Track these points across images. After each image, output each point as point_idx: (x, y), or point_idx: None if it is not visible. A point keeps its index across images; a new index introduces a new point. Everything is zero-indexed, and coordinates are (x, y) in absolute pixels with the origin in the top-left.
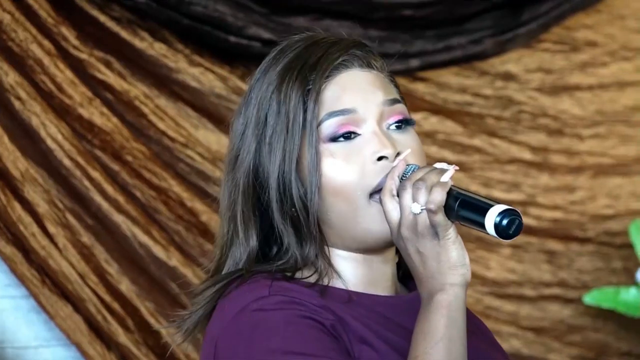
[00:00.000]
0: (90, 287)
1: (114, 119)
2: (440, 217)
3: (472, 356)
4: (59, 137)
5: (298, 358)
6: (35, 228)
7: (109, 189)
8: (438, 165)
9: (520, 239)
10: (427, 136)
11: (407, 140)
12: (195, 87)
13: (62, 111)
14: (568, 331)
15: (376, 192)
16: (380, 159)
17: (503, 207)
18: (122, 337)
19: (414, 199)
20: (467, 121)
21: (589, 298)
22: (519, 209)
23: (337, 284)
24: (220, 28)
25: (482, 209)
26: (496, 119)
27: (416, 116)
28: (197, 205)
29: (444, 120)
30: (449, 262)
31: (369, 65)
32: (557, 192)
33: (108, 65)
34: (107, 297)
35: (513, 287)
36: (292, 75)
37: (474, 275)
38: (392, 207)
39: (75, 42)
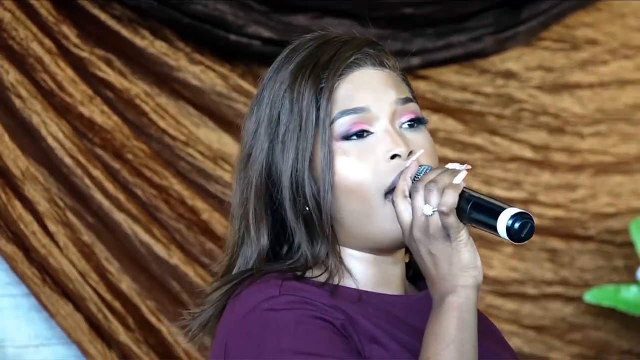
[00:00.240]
0: (91, 286)
1: (115, 118)
2: (453, 220)
3: (483, 357)
4: (60, 135)
5: (308, 358)
6: (36, 227)
7: (110, 187)
8: (450, 166)
9: None
10: None
11: (420, 140)
12: (196, 86)
13: (63, 110)
14: (569, 330)
15: (391, 192)
16: (393, 157)
17: (516, 210)
18: (123, 335)
19: (426, 201)
20: (468, 119)
21: (590, 296)
22: (519, 207)
23: (347, 283)
24: (221, 27)
25: (494, 212)
26: (497, 117)
27: None
28: (198, 204)
29: (445, 118)
30: (461, 264)
31: (382, 64)
32: (559, 191)
33: (109, 63)
34: (108, 296)
35: (515, 285)
36: (305, 74)
37: None
38: (405, 209)
39: (76, 40)
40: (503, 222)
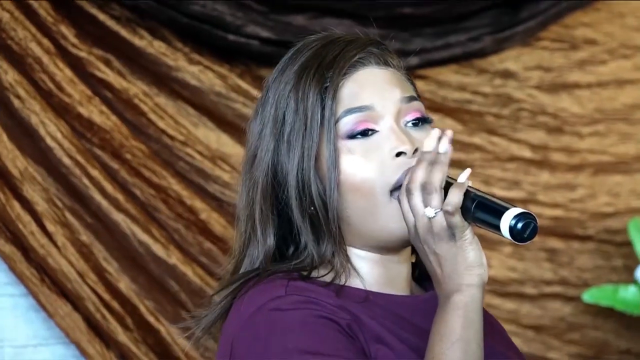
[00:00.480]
0: (90, 286)
1: (114, 118)
2: (457, 219)
3: (488, 357)
4: (58, 135)
5: (314, 357)
6: (34, 226)
7: (109, 187)
8: (427, 154)
9: None
10: None
11: (425, 138)
12: (194, 86)
13: (62, 109)
14: (568, 329)
15: (396, 190)
16: (398, 155)
17: (519, 210)
18: (121, 335)
19: (426, 204)
20: (467, 119)
21: (588, 296)
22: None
23: (353, 283)
24: (219, 26)
25: (497, 211)
26: (495, 116)
27: None
28: (197, 204)
29: (443, 118)
30: (466, 262)
31: (386, 63)
32: (558, 190)
33: (107, 63)
34: (106, 296)
35: (514, 285)
36: (310, 73)
37: None
38: (409, 209)
39: (75, 40)
40: (506, 221)
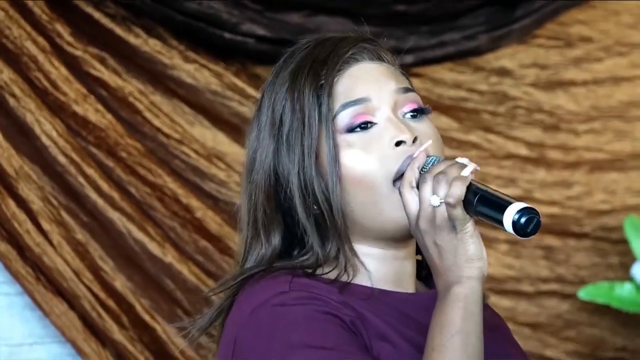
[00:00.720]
0: (85, 284)
1: (109, 116)
2: (459, 211)
3: (490, 352)
4: (54, 133)
5: (317, 352)
6: (29, 225)
7: (104, 185)
8: (459, 160)
9: None
10: None
11: (425, 129)
12: (190, 84)
13: (57, 108)
14: (564, 327)
15: (399, 179)
16: (398, 144)
17: (522, 205)
18: (117, 334)
19: (434, 192)
20: (463, 117)
21: (584, 293)
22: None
23: (359, 280)
24: (215, 25)
25: (500, 205)
26: (491, 114)
27: None
28: (193, 202)
29: (439, 116)
30: (466, 255)
31: (380, 58)
32: (554, 188)
33: (103, 61)
34: (101, 294)
35: (511, 282)
36: (304, 73)
37: None
38: (411, 199)
39: (70, 38)
40: (509, 216)
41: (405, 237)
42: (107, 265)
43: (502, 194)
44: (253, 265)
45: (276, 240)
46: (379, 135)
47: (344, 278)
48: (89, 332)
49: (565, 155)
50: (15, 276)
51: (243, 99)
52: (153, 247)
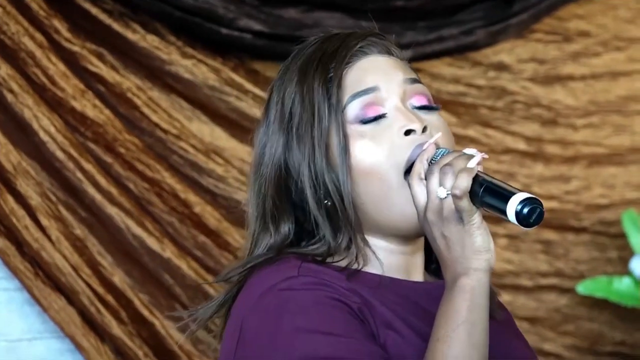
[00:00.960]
0: (84, 280)
1: (107, 111)
2: (465, 203)
3: (499, 346)
4: (52, 129)
5: (324, 337)
6: (28, 221)
7: (102, 181)
8: (467, 151)
9: (515, 228)
10: None
11: (435, 121)
12: (188, 79)
13: (55, 104)
14: (563, 321)
15: (409, 171)
16: (408, 133)
17: (525, 195)
18: (116, 329)
19: (441, 184)
20: (461, 112)
21: (582, 288)
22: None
23: (368, 269)
24: (212, 20)
25: (504, 196)
26: (490, 109)
27: None
28: (191, 197)
29: None
30: (473, 246)
31: (388, 52)
32: (552, 182)
33: (100, 57)
34: (100, 289)
35: (510, 277)
36: (312, 66)
37: None
38: (420, 191)
39: (67, 34)
40: (512, 206)
41: (414, 234)
42: (106, 261)
43: (508, 185)
44: (261, 253)
45: (285, 229)
46: (388, 125)
47: (354, 267)
48: (88, 327)
49: (564, 149)
50: (14, 271)
51: (241, 94)
52: (151, 242)
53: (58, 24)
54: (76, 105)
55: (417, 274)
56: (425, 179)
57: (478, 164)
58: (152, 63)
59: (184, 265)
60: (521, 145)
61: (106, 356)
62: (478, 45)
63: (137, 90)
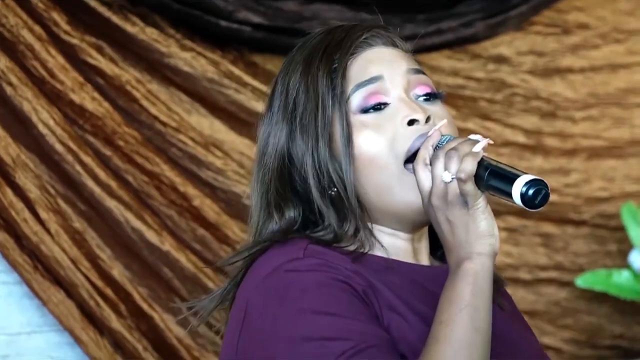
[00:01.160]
0: (83, 273)
1: (106, 104)
2: (470, 187)
3: (512, 333)
4: (51, 122)
5: (328, 318)
6: (27, 214)
7: (101, 174)
8: (472, 137)
9: (515, 222)
10: None
11: (438, 110)
12: (187, 72)
13: (54, 96)
14: (562, 314)
15: (409, 160)
16: (411, 123)
17: (530, 177)
18: (115, 322)
19: (446, 168)
20: (460, 104)
21: (581, 281)
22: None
23: (375, 252)
24: (211, 12)
25: (509, 178)
26: (489, 102)
27: None
28: (190, 190)
29: None
30: (477, 231)
31: (393, 44)
32: (552, 175)
33: (99, 50)
34: (99, 283)
35: (509, 270)
36: (317, 57)
37: None
38: (425, 176)
39: (66, 27)
40: (517, 188)
41: (418, 221)
42: (105, 254)
43: (514, 168)
44: (267, 237)
45: (291, 214)
46: (392, 115)
47: (362, 250)
48: (87, 321)
49: (563, 142)
50: (13, 265)
51: (240, 87)
52: (150, 236)
53: (57, 16)
54: (75, 98)
55: (424, 259)
56: (431, 164)
57: (483, 149)
58: (151, 56)
59: (182, 258)
60: (520, 138)
61: (105, 349)
62: (477, 37)
63: (136, 83)
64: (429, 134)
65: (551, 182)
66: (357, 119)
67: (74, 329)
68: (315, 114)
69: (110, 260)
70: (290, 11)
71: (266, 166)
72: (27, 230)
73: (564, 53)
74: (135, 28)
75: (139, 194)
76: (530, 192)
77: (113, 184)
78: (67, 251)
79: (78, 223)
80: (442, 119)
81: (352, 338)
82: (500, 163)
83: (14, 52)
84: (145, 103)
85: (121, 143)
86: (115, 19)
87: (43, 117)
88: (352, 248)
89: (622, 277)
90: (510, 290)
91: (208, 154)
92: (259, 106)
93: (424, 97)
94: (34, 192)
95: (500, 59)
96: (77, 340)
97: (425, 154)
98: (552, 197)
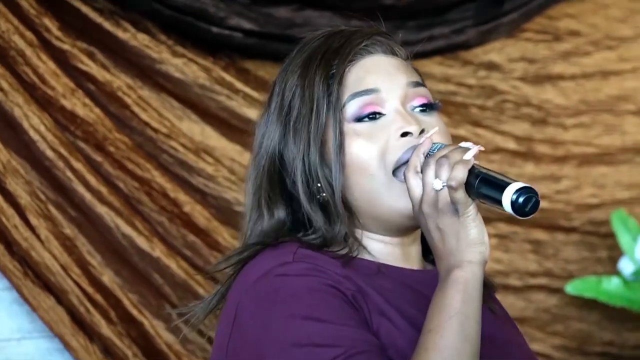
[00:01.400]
0: (73, 279)
1: (97, 110)
2: (461, 194)
3: (504, 338)
4: (42, 128)
5: (317, 324)
6: (17, 220)
7: (92, 180)
8: (463, 144)
9: (505, 228)
10: None
11: (433, 121)
12: (178, 78)
13: (45, 102)
14: (551, 321)
15: (398, 169)
16: (404, 135)
17: (520, 184)
18: (105, 328)
19: (436, 175)
20: (451, 111)
21: (571, 288)
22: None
23: (365, 257)
24: (202, 19)
25: (500, 186)
26: (480, 108)
27: None
28: (181, 196)
29: None
30: (468, 239)
31: (393, 52)
32: (542, 182)
33: (91, 56)
34: (89, 289)
35: (499, 277)
36: (315, 61)
37: None
38: (416, 184)
39: (58, 33)
40: (508, 196)
41: (408, 227)
42: (95, 260)
43: (505, 175)
44: (258, 240)
45: (281, 215)
46: (386, 125)
47: (352, 254)
48: (77, 327)
49: (554, 149)
50: (3, 271)
51: (231, 93)
52: (141, 242)
53: (48, 22)
54: (66, 104)
55: (415, 263)
56: (421, 172)
57: (474, 156)
58: (143, 62)
59: (173, 264)
60: (511, 145)
61: (95, 356)
62: (468, 44)
63: (128, 89)
64: (420, 141)
65: (542, 188)
66: (350, 127)
67: (64, 335)
68: (309, 119)
69: (100, 267)
70: (282, 18)
71: (259, 166)
72: (17, 236)
73: (555, 60)
74: (127, 34)
75: (130, 200)
76: (521, 199)
77: (104, 190)
78: (57, 257)
79: (68, 229)
80: (435, 128)
81: (342, 344)
82: (491, 171)
83: (5, 57)
84: (136, 109)
85: (112, 149)
86: (107, 25)
87: (34, 123)
88: (342, 252)
89: (611, 284)
90: (500, 296)
91: (199, 160)
92: (251, 112)
93: (420, 108)
94: (24, 198)
95: (492, 66)
96: (67, 347)
97: (416, 162)
98: (543, 204)
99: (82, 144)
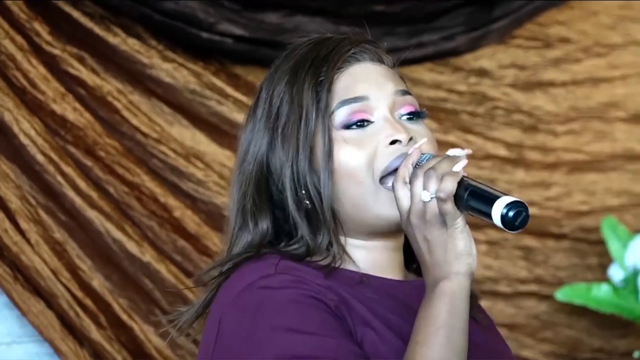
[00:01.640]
0: (63, 284)
1: (87, 115)
2: (450, 206)
3: (486, 348)
4: (32, 132)
5: (301, 336)
6: (7, 224)
7: (82, 184)
8: (451, 152)
9: (495, 235)
10: None
11: (421, 130)
12: (169, 83)
13: (35, 107)
14: (541, 327)
15: (385, 176)
16: (393, 143)
17: (511, 198)
18: (95, 333)
19: (425, 187)
20: (442, 117)
21: (561, 294)
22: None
23: (349, 267)
24: (192, 24)
25: (489, 199)
26: (470, 115)
27: None
28: (171, 201)
29: None
30: (455, 250)
31: (380, 60)
32: (533, 189)
33: (81, 60)
34: (79, 294)
35: (489, 283)
36: (304, 69)
37: None
38: (403, 194)
39: (48, 37)
40: (497, 210)
41: (395, 231)
42: (85, 265)
43: (494, 188)
44: (241, 251)
45: (264, 226)
46: (374, 133)
47: (335, 265)
48: (67, 332)
49: (544, 156)
50: None
51: (222, 98)
52: (131, 246)
53: (39, 26)
54: (56, 108)
55: (396, 271)
56: (410, 183)
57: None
58: (133, 67)
59: (163, 269)
60: (502, 151)
61: None
62: (459, 50)
63: (118, 94)
64: (409, 151)
65: (532, 195)
66: (339, 134)
67: (53, 340)
68: (298, 126)
69: (90, 271)
70: (272, 23)
71: (244, 173)
72: (7, 241)
73: (546, 67)
74: (117, 39)
75: (120, 204)
76: (511, 214)
77: (94, 194)
78: (47, 262)
79: (58, 233)
80: (423, 137)
81: (326, 356)
82: (480, 183)
83: None
84: (126, 114)
85: (102, 154)
86: (97, 29)
87: (24, 127)
88: (324, 262)
89: (601, 291)
90: (489, 303)
91: (189, 165)
92: (241, 118)
93: (408, 116)
94: (14, 203)
95: (482, 72)
96: (57, 351)
97: (404, 172)
98: (533, 211)
99: (72, 149)
